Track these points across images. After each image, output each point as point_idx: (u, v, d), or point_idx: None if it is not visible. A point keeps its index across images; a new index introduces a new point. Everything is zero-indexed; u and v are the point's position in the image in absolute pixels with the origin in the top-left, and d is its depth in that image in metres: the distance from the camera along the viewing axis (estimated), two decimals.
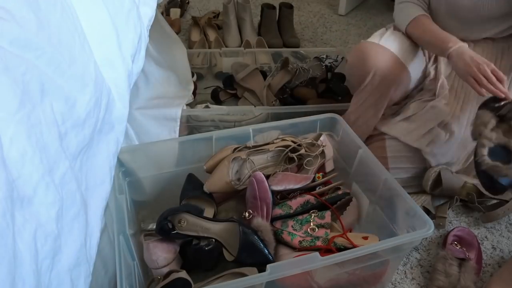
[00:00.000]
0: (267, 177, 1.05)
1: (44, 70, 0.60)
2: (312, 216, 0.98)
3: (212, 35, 2.01)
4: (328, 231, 0.95)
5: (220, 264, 0.98)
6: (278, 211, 1.01)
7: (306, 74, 1.58)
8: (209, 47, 1.91)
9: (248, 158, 1.05)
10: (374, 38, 1.19)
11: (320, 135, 1.12)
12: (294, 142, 1.08)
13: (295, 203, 1.02)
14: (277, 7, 2.06)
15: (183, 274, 0.86)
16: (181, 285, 0.84)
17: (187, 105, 1.34)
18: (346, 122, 1.13)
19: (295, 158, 1.07)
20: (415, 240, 0.87)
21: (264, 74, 1.62)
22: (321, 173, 1.09)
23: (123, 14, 0.87)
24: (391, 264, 0.97)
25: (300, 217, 0.99)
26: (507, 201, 1.21)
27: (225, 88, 1.61)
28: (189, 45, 1.99)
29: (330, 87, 1.52)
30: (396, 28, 1.24)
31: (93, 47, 0.76)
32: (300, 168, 1.10)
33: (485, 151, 0.99)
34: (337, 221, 0.99)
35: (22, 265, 0.49)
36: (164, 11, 2.21)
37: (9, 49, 0.55)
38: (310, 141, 1.10)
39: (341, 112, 1.19)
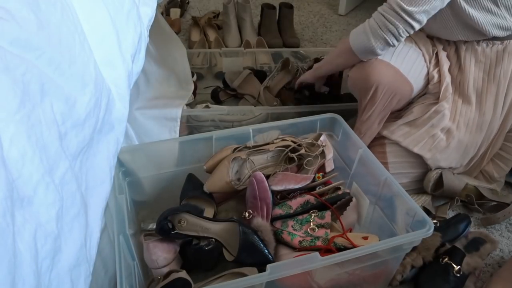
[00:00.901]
0: (267, 177, 1.05)
1: (44, 70, 0.60)
2: (312, 216, 0.98)
3: (212, 35, 2.01)
4: (328, 231, 0.95)
5: (220, 264, 0.98)
6: (278, 211, 1.01)
7: None
8: (209, 47, 1.91)
9: (248, 158, 1.05)
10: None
11: (320, 135, 1.12)
12: (294, 142, 1.09)
13: (295, 203, 1.02)
14: (277, 7, 2.06)
15: (183, 274, 0.86)
16: (181, 285, 0.84)
17: (187, 105, 1.34)
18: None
19: (295, 158, 1.07)
20: (415, 240, 0.87)
21: (264, 74, 1.62)
22: (321, 173, 1.09)
23: (123, 14, 0.87)
24: (391, 264, 0.97)
25: (300, 217, 0.99)
26: (508, 204, 1.22)
27: (225, 89, 1.61)
28: (189, 45, 1.99)
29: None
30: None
31: (93, 47, 0.76)
32: (300, 168, 1.10)
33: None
34: (337, 221, 0.99)
35: (22, 265, 0.49)
36: (164, 11, 2.21)
37: (9, 49, 0.55)
38: (310, 141, 1.10)
39: (340, 112, 1.19)
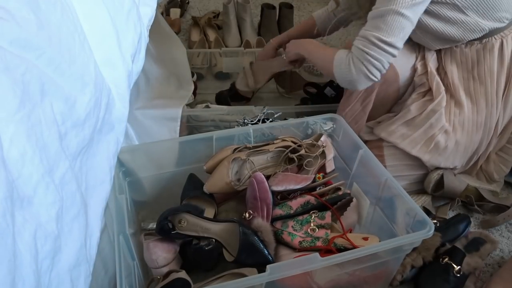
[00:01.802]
0: (267, 177, 1.05)
1: (44, 70, 0.60)
2: (312, 217, 0.98)
3: (212, 35, 2.01)
4: (328, 231, 0.95)
5: (220, 264, 0.98)
6: (278, 211, 1.01)
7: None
8: (209, 47, 1.90)
9: (248, 159, 1.05)
10: None
11: (320, 135, 1.11)
12: (294, 143, 1.08)
13: (295, 203, 1.01)
14: (277, 7, 2.06)
15: (183, 274, 0.86)
16: (181, 285, 0.84)
17: (187, 105, 1.34)
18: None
19: (295, 159, 1.07)
20: (415, 241, 0.87)
21: None
22: (321, 174, 1.08)
23: (123, 14, 0.86)
24: (391, 265, 0.97)
25: (300, 217, 0.99)
26: (508, 207, 1.22)
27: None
28: (189, 45, 1.98)
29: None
30: None
31: (93, 47, 0.76)
32: (300, 169, 1.10)
33: None
34: (337, 222, 0.99)
35: (22, 265, 0.49)
36: (164, 11, 2.21)
37: (9, 49, 0.55)
38: (310, 141, 1.10)
39: None
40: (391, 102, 1.28)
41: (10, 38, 0.55)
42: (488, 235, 1.15)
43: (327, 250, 0.91)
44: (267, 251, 0.89)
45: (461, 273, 1.01)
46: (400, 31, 0.99)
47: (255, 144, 1.09)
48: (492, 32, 1.11)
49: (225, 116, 1.36)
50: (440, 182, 1.22)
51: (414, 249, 0.99)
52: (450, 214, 1.24)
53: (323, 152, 1.09)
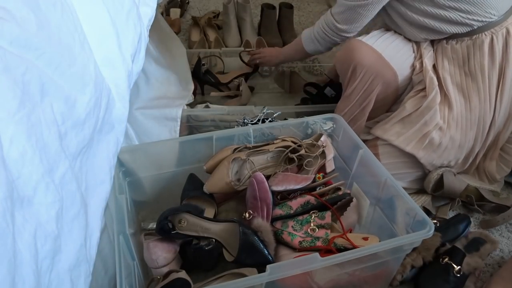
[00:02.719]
0: (267, 177, 1.04)
1: (44, 70, 0.60)
2: (312, 217, 0.98)
3: (212, 35, 2.01)
4: (328, 231, 0.95)
5: (220, 265, 0.98)
6: (278, 211, 1.01)
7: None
8: (209, 47, 1.90)
9: (248, 159, 1.05)
10: (363, 37, 1.21)
11: (320, 135, 1.11)
12: (294, 143, 1.08)
13: (295, 203, 1.01)
14: (277, 7, 2.06)
15: (183, 274, 0.86)
16: (181, 285, 0.84)
17: (187, 105, 1.34)
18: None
19: (295, 159, 1.07)
20: (415, 241, 0.87)
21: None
22: (321, 174, 1.08)
23: (123, 14, 0.86)
24: (391, 265, 0.97)
25: (300, 217, 0.99)
26: (508, 207, 1.22)
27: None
28: (189, 45, 1.98)
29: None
30: (385, 28, 1.25)
31: (93, 47, 0.76)
32: (300, 169, 1.10)
33: None
34: (337, 222, 0.99)
35: (22, 265, 0.49)
36: (164, 11, 2.21)
37: (9, 49, 0.55)
38: (310, 141, 1.10)
39: None
40: (391, 102, 1.28)
41: (10, 38, 0.55)
42: (488, 235, 1.15)
43: (327, 250, 0.91)
44: (267, 251, 0.89)
45: (461, 273, 1.01)
46: (356, 21, 1.19)
47: (255, 144, 1.09)
48: (482, 28, 1.11)
49: (225, 116, 1.36)
50: (440, 182, 1.22)
51: (414, 249, 0.99)
52: (450, 214, 1.24)
53: (323, 152, 1.09)
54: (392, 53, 1.18)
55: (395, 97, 1.26)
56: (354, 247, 0.89)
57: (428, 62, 1.19)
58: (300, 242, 0.94)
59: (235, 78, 1.49)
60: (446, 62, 1.18)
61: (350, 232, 0.98)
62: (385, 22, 1.25)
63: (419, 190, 1.28)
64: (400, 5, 1.15)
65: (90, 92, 0.70)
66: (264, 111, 1.29)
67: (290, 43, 1.50)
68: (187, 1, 2.35)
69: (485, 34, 1.12)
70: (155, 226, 0.95)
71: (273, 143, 1.09)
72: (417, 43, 1.21)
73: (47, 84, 0.60)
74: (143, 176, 1.06)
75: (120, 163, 0.98)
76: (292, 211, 1.01)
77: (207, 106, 1.41)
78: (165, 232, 0.91)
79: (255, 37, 1.97)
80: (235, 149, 1.06)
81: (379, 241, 0.91)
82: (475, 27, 1.11)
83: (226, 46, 1.94)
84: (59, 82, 0.63)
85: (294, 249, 0.96)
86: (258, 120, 1.27)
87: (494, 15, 1.09)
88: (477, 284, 1.04)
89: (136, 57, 0.92)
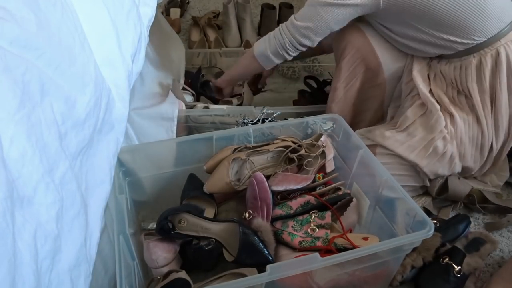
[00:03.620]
0: (267, 177, 1.04)
1: (44, 70, 0.60)
2: (312, 217, 0.98)
3: (212, 35, 2.01)
4: (328, 231, 0.95)
5: (220, 265, 0.98)
6: (279, 211, 1.01)
7: None
8: (209, 47, 1.90)
9: (248, 159, 1.05)
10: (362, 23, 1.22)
11: (320, 135, 1.11)
12: (294, 143, 1.08)
13: (295, 203, 1.01)
14: (277, 7, 2.06)
15: (183, 274, 0.86)
16: (181, 285, 0.84)
17: (186, 105, 1.34)
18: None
19: (295, 159, 1.07)
20: (415, 241, 0.87)
21: None
22: (321, 174, 1.08)
23: (123, 14, 0.87)
24: (391, 265, 0.97)
25: (300, 217, 0.99)
26: (511, 209, 1.22)
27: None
28: (189, 45, 1.98)
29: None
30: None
31: (93, 47, 0.76)
32: (300, 169, 1.10)
33: None
34: (337, 222, 0.99)
35: (22, 265, 0.49)
36: (164, 11, 2.21)
37: (9, 49, 0.55)
38: (310, 141, 1.10)
39: None
40: (379, 102, 1.27)
41: (10, 38, 0.55)
42: (488, 235, 1.15)
43: (327, 250, 0.91)
44: (267, 251, 0.89)
45: (461, 273, 1.01)
46: (309, 21, 1.12)
47: (255, 144, 1.09)
48: (468, 50, 1.08)
49: (225, 118, 1.35)
50: (444, 186, 1.22)
51: (414, 250, 0.99)
52: (450, 215, 1.24)
53: (323, 152, 1.09)
54: (382, 44, 1.18)
55: (382, 97, 1.25)
56: (354, 247, 0.89)
57: (417, 75, 1.17)
58: (300, 242, 0.94)
59: (232, 97, 1.49)
60: (437, 79, 1.17)
61: (350, 232, 0.98)
62: None
63: (417, 192, 1.27)
64: (381, 26, 1.15)
65: (90, 92, 0.70)
66: (264, 111, 1.29)
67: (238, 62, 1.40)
68: (187, 1, 2.35)
69: (473, 56, 1.09)
70: (155, 226, 0.95)
71: (273, 143, 1.09)
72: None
73: (47, 84, 0.60)
74: (143, 176, 1.06)
75: (120, 163, 0.98)
76: (292, 211, 1.01)
77: (206, 107, 1.41)
78: (165, 232, 0.91)
79: (255, 37, 1.97)
80: (235, 149, 1.06)
81: (379, 241, 0.91)
82: (461, 49, 1.09)
83: (226, 46, 1.94)
84: (59, 82, 0.63)
85: (294, 249, 0.96)
86: (258, 120, 1.27)
87: (477, 40, 1.06)
88: (477, 284, 1.04)
89: (136, 57, 0.92)
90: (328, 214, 0.98)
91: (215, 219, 1.00)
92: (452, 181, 1.20)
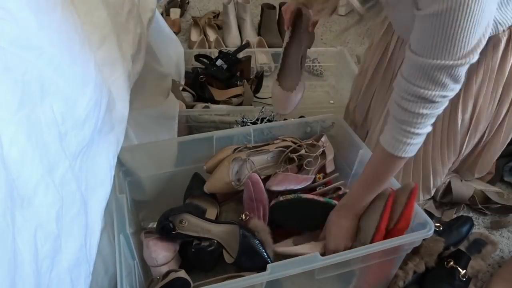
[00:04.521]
0: (268, 177, 1.05)
1: (44, 70, 0.60)
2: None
3: (212, 35, 2.01)
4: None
5: (219, 265, 0.98)
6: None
7: None
8: (209, 47, 1.90)
9: (248, 159, 1.05)
10: None
11: (321, 135, 1.11)
12: (294, 143, 1.08)
13: None
14: (277, 7, 2.06)
15: (182, 273, 0.86)
16: (180, 284, 0.84)
17: (186, 105, 1.34)
18: None
19: (295, 159, 1.07)
20: (415, 241, 0.87)
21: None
22: (321, 174, 1.08)
23: (123, 14, 0.87)
24: (391, 264, 0.97)
25: None
26: None
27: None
28: (189, 45, 1.99)
29: None
30: None
31: (93, 47, 0.76)
32: (300, 169, 1.10)
33: None
34: None
35: (22, 265, 0.49)
36: (164, 11, 2.21)
37: (9, 49, 0.55)
38: (310, 141, 1.10)
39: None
40: None
41: (10, 38, 0.55)
42: (488, 236, 1.15)
43: None
44: (267, 253, 0.89)
45: (467, 277, 1.00)
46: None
47: (255, 144, 1.09)
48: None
49: (224, 117, 1.36)
50: (447, 189, 1.22)
51: (417, 254, 0.98)
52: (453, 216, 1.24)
53: (323, 152, 1.09)
54: None
55: None
56: None
57: None
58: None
59: (231, 97, 1.49)
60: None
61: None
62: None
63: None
64: None
65: (90, 92, 0.70)
66: (263, 110, 1.29)
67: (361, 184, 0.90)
68: (187, 1, 2.35)
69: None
70: (155, 226, 0.95)
71: (273, 143, 1.09)
72: None
73: (47, 84, 0.60)
74: (144, 176, 1.06)
75: (120, 163, 0.98)
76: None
77: (206, 107, 1.41)
78: (166, 232, 0.91)
79: (255, 37, 1.97)
80: (235, 149, 1.06)
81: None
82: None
83: (226, 46, 1.94)
84: (59, 82, 0.63)
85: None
86: (257, 120, 1.27)
87: None
88: (477, 284, 1.04)
89: (136, 57, 0.92)
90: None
91: (216, 220, 1.00)
92: (455, 184, 1.21)
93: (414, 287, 1.03)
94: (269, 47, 1.91)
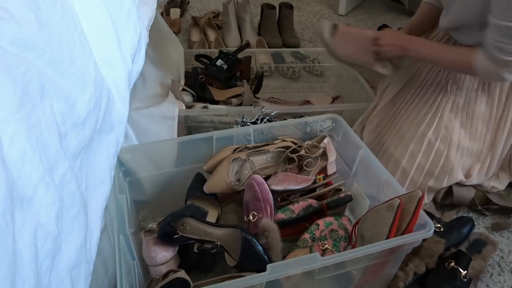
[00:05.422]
0: (267, 177, 1.04)
1: (44, 70, 0.60)
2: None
3: (212, 35, 2.02)
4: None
5: (219, 264, 0.98)
6: (281, 215, 1.00)
7: None
8: (209, 47, 1.91)
9: (248, 159, 1.05)
10: None
11: (323, 137, 1.11)
12: (295, 143, 1.08)
13: (297, 207, 1.02)
14: (277, 7, 2.06)
15: (182, 274, 0.86)
16: (180, 285, 0.84)
17: (186, 106, 1.34)
18: None
19: (295, 159, 1.07)
20: (415, 241, 0.87)
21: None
22: (322, 175, 1.08)
23: (123, 14, 0.86)
24: (391, 265, 0.97)
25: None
26: None
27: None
28: (189, 45, 1.99)
29: None
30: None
31: (93, 47, 0.76)
32: (301, 170, 1.10)
33: None
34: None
35: (22, 265, 0.49)
36: (164, 11, 2.21)
37: (9, 49, 0.55)
38: (311, 143, 1.10)
39: (340, 113, 1.18)
40: None
41: (10, 38, 0.55)
42: (488, 236, 1.15)
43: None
44: (267, 256, 0.89)
45: (468, 277, 0.99)
46: None
47: (255, 144, 1.09)
48: None
49: (224, 118, 1.35)
50: (448, 192, 1.22)
51: (417, 255, 0.98)
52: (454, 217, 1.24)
53: (324, 153, 1.08)
54: None
55: None
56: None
57: None
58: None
59: (231, 97, 1.49)
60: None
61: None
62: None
63: None
64: None
65: (90, 92, 0.70)
66: (263, 110, 1.29)
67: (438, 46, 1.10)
68: (187, 1, 2.35)
69: None
70: (155, 226, 0.95)
71: (273, 143, 1.09)
72: None
73: (47, 84, 0.60)
74: (143, 176, 1.06)
75: (120, 163, 0.98)
76: (294, 215, 1.01)
77: (205, 107, 1.41)
78: (168, 236, 0.90)
79: (255, 37, 1.97)
80: (235, 149, 1.06)
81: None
82: None
83: (226, 46, 1.94)
84: (59, 82, 0.63)
85: None
86: (257, 120, 1.27)
87: None
88: (478, 285, 1.04)
89: (136, 57, 0.92)
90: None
91: (217, 224, 0.99)
92: (457, 187, 1.20)
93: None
94: (269, 47, 1.91)
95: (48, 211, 0.55)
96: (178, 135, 1.23)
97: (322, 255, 0.83)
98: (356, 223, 0.95)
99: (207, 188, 1.02)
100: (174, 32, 1.71)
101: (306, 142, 1.10)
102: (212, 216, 1.02)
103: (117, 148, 0.84)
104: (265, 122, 1.25)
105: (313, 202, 1.02)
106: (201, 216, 0.94)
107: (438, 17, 1.13)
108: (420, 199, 0.86)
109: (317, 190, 1.06)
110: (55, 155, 0.59)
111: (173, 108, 1.22)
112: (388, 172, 0.99)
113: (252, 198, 0.99)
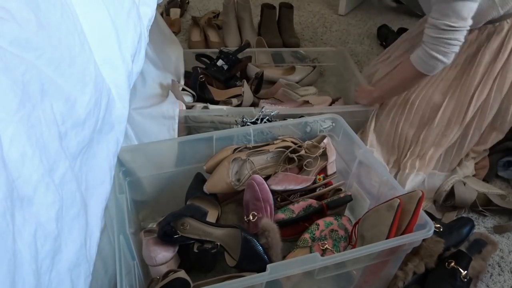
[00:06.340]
0: (267, 177, 1.04)
1: (44, 70, 0.60)
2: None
3: (212, 35, 2.01)
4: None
5: (219, 264, 0.98)
6: (281, 215, 1.00)
7: None
8: (209, 47, 1.90)
9: (248, 159, 1.05)
10: None
11: (323, 137, 1.11)
12: (295, 143, 1.08)
13: (297, 207, 1.02)
14: (277, 7, 2.06)
15: (182, 274, 0.86)
16: (180, 285, 0.84)
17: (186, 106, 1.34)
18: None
19: (295, 159, 1.07)
20: (415, 241, 0.87)
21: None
22: (322, 175, 1.08)
23: (123, 14, 0.86)
24: (391, 265, 0.97)
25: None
26: None
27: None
28: (189, 45, 1.99)
29: None
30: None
31: (93, 47, 0.76)
32: (301, 170, 1.10)
33: None
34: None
35: (22, 265, 0.49)
36: (164, 11, 2.21)
37: (9, 49, 0.55)
38: (311, 143, 1.10)
39: (340, 113, 1.18)
40: None
41: (10, 38, 0.55)
42: (489, 236, 1.14)
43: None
44: (267, 257, 0.89)
45: (468, 278, 0.99)
46: (468, 14, 1.02)
47: (255, 144, 1.09)
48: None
49: (224, 118, 1.35)
50: (450, 193, 1.22)
51: (417, 255, 0.98)
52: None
53: (324, 153, 1.08)
54: None
55: None
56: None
57: None
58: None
59: (231, 97, 1.49)
60: None
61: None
62: None
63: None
64: None
65: (90, 92, 0.70)
66: (262, 110, 1.29)
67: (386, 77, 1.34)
68: (187, 1, 2.35)
69: (507, 22, 1.14)
70: (155, 226, 0.95)
71: (273, 143, 1.09)
72: None
73: (47, 84, 0.60)
74: (143, 176, 1.06)
75: (120, 163, 0.99)
76: (294, 215, 1.01)
77: (205, 107, 1.41)
78: (168, 236, 0.90)
79: (255, 37, 1.97)
80: (235, 149, 1.06)
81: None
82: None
83: (226, 46, 1.94)
84: (59, 82, 0.63)
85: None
86: (257, 120, 1.27)
87: None
88: (478, 285, 1.04)
89: (136, 57, 0.92)
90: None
91: (217, 224, 0.99)
92: (458, 188, 1.21)
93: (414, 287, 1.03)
94: (269, 47, 1.91)
95: (48, 211, 0.55)
96: (178, 135, 1.23)
97: (322, 255, 0.83)
98: (356, 223, 0.95)
99: (207, 188, 1.02)
100: (174, 32, 1.71)
101: (306, 142, 1.10)
102: (212, 216, 1.02)
103: (117, 148, 0.84)
104: (265, 122, 1.25)
105: (313, 202, 1.02)
106: (201, 216, 0.94)
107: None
108: (420, 199, 0.86)
109: (317, 190, 1.06)
110: (55, 155, 0.59)
111: (173, 108, 1.22)
112: (388, 172, 0.99)
113: (252, 198, 0.99)
